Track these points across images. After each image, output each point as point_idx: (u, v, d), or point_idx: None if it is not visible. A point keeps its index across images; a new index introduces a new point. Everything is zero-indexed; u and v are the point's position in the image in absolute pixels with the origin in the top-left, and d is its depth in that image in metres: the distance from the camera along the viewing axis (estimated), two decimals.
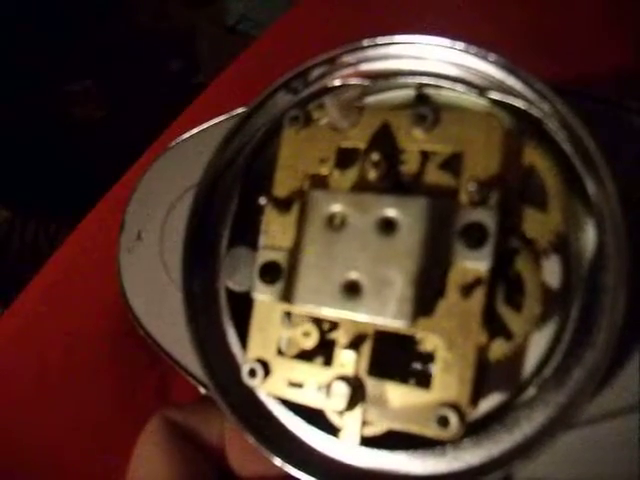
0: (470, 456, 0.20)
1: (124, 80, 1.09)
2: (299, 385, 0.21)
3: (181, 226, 0.25)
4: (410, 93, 0.23)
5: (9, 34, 1.09)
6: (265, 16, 0.98)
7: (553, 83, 0.20)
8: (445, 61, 0.22)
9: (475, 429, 0.20)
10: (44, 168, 1.02)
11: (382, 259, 0.19)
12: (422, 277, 0.19)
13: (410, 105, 0.23)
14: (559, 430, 0.19)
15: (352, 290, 0.20)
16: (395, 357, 0.21)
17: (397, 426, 0.20)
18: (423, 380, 0.20)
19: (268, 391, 0.22)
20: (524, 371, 0.20)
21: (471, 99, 0.22)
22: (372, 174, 0.21)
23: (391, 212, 0.20)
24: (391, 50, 0.23)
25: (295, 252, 0.21)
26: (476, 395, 0.19)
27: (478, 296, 0.19)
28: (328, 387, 0.20)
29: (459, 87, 0.22)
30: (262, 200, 0.22)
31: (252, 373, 0.22)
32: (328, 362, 0.21)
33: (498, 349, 0.20)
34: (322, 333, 0.22)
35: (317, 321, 0.22)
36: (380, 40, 0.23)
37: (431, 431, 0.19)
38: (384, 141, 0.21)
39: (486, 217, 0.19)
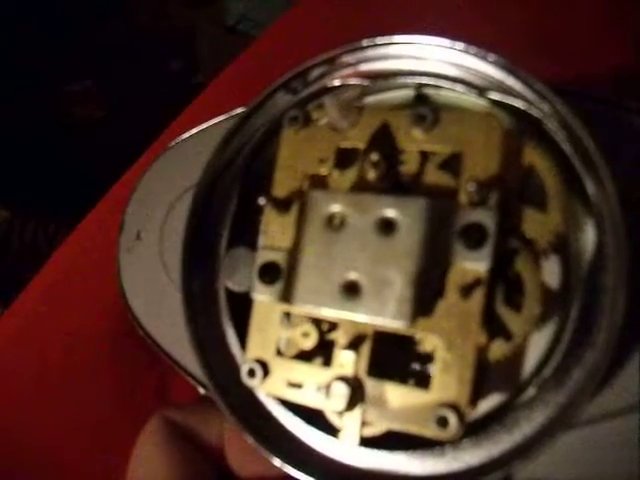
0: (469, 456, 0.20)
1: (124, 80, 1.09)
2: (298, 385, 0.21)
3: (180, 226, 0.25)
4: (409, 93, 0.23)
5: (9, 34, 1.09)
6: (265, 16, 0.98)
7: (553, 83, 0.20)
8: (445, 61, 0.22)
9: (474, 429, 0.20)
10: (44, 168, 1.02)
11: (381, 259, 0.19)
12: (421, 277, 0.19)
13: (409, 105, 0.22)
14: (559, 430, 0.19)
15: (351, 290, 0.20)
16: (394, 357, 0.21)
17: (396, 426, 0.20)
18: (422, 380, 0.20)
19: (267, 391, 0.22)
20: (524, 371, 0.20)
21: (471, 99, 0.22)
22: (371, 174, 0.21)
23: (390, 212, 0.19)
24: (391, 50, 0.23)
25: (294, 252, 0.21)
26: (475, 395, 0.19)
27: (477, 296, 0.19)
28: (327, 387, 0.20)
29: (459, 87, 0.22)
30: (261, 200, 0.22)
31: (251, 373, 0.22)
32: (327, 362, 0.21)
33: (498, 349, 0.20)
34: (321, 333, 0.22)
35: (316, 321, 0.22)
36: (380, 40, 0.23)
37: (430, 431, 0.19)
38: (383, 141, 0.21)
39: (485, 217, 0.19)
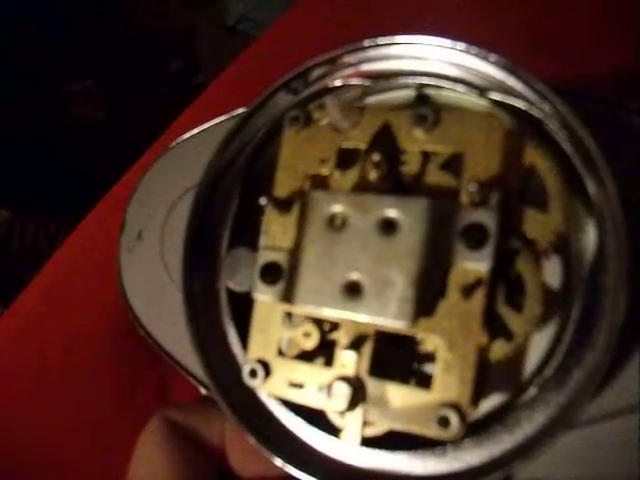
0: (471, 456, 0.20)
1: (124, 80, 1.09)
2: (300, 386, 0.21)
3: (182, 226, 0.25)
4: (411, 93, 0.23)
5: (9, 34, 1.09)
6: (265, 16, 0.98)
7: (553, 84, 0.20)
8: (446, 61, 0.22)
9: (476, 429, 0.20)
10: (44, 168, 1.02)
11: (383, 260, 0.19)
12: (423, 278, 0.19)
13: (411, 105, 0.22)
14: (560, 430, 0.19)
15: (353, 291, 0.20)
16: (396, 357, 0.21)
17: (398, 426, 0.20)
18: (424, 380, 0.20)
19: (269, 392, 0.22)
20: (525, 371, 0.20)
21: (472, 100, 0.22)
22: (373, 174, 0.21)
23: (392, 213, 0.20)
24: (392, 50, 0.23)
25: (296, 252, 0.21)
26: (477, 395, 0.19)
27: (479, 297, 0.19)
28: (329, 387, 0.20)
29: (460, 88, 0.22)
30: (262, 200, 0.22)
31: (253, 374, 0.22)
32: (329, 363, 0.21)
33: (499, 349, 0.20)
34: (323, 334, 0.22)
35: (318, 322, 0.22)
36: (381, 40, 0.23)
37: (432, 431, 0.19)
38: (385, 141, 0.21)
39: (487, 218, 0.19)
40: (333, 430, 0.22)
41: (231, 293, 0.24)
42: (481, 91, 0.22)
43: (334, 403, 0.20)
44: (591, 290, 0.20)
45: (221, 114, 0.29)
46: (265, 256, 0.21)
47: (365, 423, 0.21)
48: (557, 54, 0.38)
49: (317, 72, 0.24)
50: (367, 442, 0.21)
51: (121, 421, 0.41)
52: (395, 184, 0.21)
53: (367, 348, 0.21)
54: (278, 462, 0.22)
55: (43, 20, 1.12)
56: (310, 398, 0.21)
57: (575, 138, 0.20)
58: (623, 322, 0.18)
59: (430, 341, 0.20)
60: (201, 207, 0.25)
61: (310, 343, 0.22)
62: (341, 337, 0.21)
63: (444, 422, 0.19)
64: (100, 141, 1.02)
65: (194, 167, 0.26)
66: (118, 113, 1.12)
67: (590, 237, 0.20)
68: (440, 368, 0.19)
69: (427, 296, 0.19)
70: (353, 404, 0.20)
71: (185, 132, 0.31)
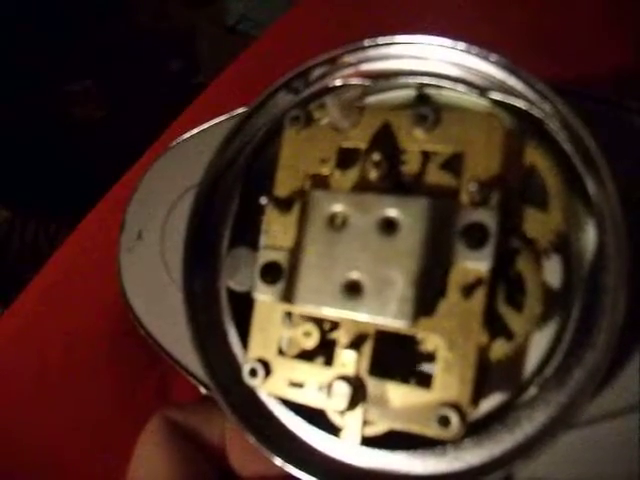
0: (471, 456, 0.20)
1: (124, 80, 1.09)
2: (300, 385, 0.21)
3: (182, 226, 0.25)
4: (411, 93, 0.23)
5: (9, 34, 1.09)
6: (265, 16, 0.98)
7: (554, 83, 0.20)
8: (446, 61, 0.22)
9: (476, 429, 0.20)
10: (44, 168, 1.02)
11: (383, 259, 0.19)
12: (423, 277, 0.19)
13: (411, 105, 0.23)
14: (560, 430, 0.19)
15: (353, 290, 0.20)
16: (396, 357, 0.21)
17: (398, 426, 0.20)
18: (424, 380, 0.20)
19: (269, 391, 0.22)
20: (525, 371, 0.20)
21: (472, 99, 0.22)
22: (373, 174, 0.21)
23: (392, 212, 0.20)
24: (392, 50, 0.23)
25: (296, 252, 0.21)
26: (477, 395, 0.19)
27: (479, 296, 0.19)
28: (329, 387, 0.20)
29: (460, 87, 0.22)
30: (263, 200, 0.22)
31: (253, 373, 0.22)
32: (329, 362, 0.21)
33: (499, 349, 0.20)
34: (323, 333, 0.22)
35: (318, 321, 0.22)
36: (381, 40, 0.23)
37: (432, 431, 0.19)
38: (385, 141, 0.21)
39: (487, 217, 0.19)
40: (333, 429, 0.22)
41: (231, 293, 0.24)
42: (481, 91, 0.22)
43: (334, 402, 0.20)
44: (591, 290, 0.20)
45: (221, 114, 0.29)
46: (265, 256, 0.21)
47: (365, 422, 0.21)
48: (557, 54, 0.38)
49: (317, 72, 0.24)
50: (367, 441, 0.21)
51: (121, 421, 0.41)
52: (395, 184, 0.21)
53: (367, 347, 0.21)
54: (278, 461, 0.22)
55: (43, 20, 1.12)
56: (310, 397, 0.21)
57: (575, 138, 0.20)
58: (623, 322, 0.18)
59: (430, 341, 0.20)
60: (201, 206, 0.25)
61: (310, 342, 0.22)
62: (341, 336, 0.21)
63: (444, 421, 0.19)
64: (100, 141, 1.02)
65: (194, 167, 0.26)
66: (118, 113, 1.12)
67: (590, 237, 0.20)
68: (440, 368, 0.19)
69: (427, 296, 0.19)
70: (353, 403, 0.20)
71: (185, 132, 0.31)
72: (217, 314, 0.25)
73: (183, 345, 0.25)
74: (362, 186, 0.21)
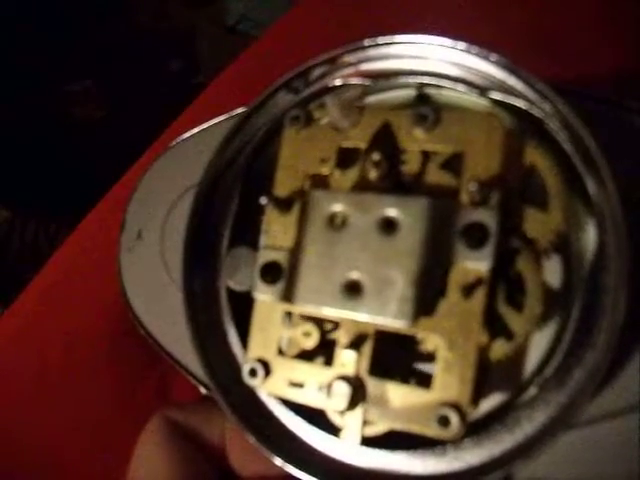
0: (471, 456, 0.20)
1: (124, 80, 1.09)
2: (300, 385, 0.21)
3: (182, 226, 0.25)
4: (411, 93, 0.23)
5: (9, 34, 1.09)
6: (265, 16, 0.98)
7: (554, 83, 0.20)
8: (446, 61, 0.22)
9: (476, 429, 0.20)
10: (44, 168, 1.02)
11: (383, 259, 0.19)
12: (423, 277, 0.19)
13: (411, 105, 0.23)
14: (560, 430, 0.19)
15: (353, 290, 0.20)
16: (396, 357, 0.21)
17: (398, 426, 0.20)
18: (424, 380, 0.20)
19: (269, 391, 0.22)
20: (525, 371, 0.20)
21: (472, 99, 0.22)
22: (373, 174, 0.21)
23: (392, 212, 0.20)
24: (392, 50, 0.23)
25: (296, 252, 0.21)
26: (477, 395, 0.19)
27: (479, 296, 0.19)
28: (329, 387, 0.20)
29: (460, 87, 0.22)
30: (263, 200, 0.22)
31: (253, 373, 0.22)
32: (329, 362, 0.21)
33: (499, 349, 0.20)
34: (323, 333, 0.22)
35: (318, 321, 0.22)
36: (381, 40, 0.23)
37: (432, 431, 0.19)
38: (385, 141, 0.21)
39: (487, 217, 0.19)
40: (333, 429, 0.22)
41: (231, 292, 0.24)
42: (481, 90, 0.22)
43: (334, 402, 0.20)
44: (591, 290, 0.20)
45: (221, 114, 0.29)
46: (265, 255, 0.21)
47: (365, 422, 0.21)
48: (557, 54, 0.38)
49: (317, 71, 0.24)
50: (367, 441, 0.21)
51: (121, 421, 0.41)
52: (395, 183, 0.21)
53: (367, 347, 0.21)
54: (278, 461, 0.22)
55: (43, 20, 1.12)
56: (310, 397, 0.21)
57: (575, 138, 0.20)
58: (623, 322, 0.18)
59: (430, 340, 0.20)
60: (201, 206, 0.25)
61: (310, 342, 0.22)
62: (341, 336, 0.21)
63: (444, 421, 0.19)
64: (100, 141, 1.02)
65: (194, 166, 0.26)
66: (118, 113, 1.12)
67: (590, 236, 0.20)
68: (440, 367, 0.19)
69: (427, 295, 0.19)
70: (353, 403, 0.20)
71: (185, 132, 0.31)
72: (217, 314, 0.25)
73: (183, 345, 0.25)
74: (362, 186, 0.21)
